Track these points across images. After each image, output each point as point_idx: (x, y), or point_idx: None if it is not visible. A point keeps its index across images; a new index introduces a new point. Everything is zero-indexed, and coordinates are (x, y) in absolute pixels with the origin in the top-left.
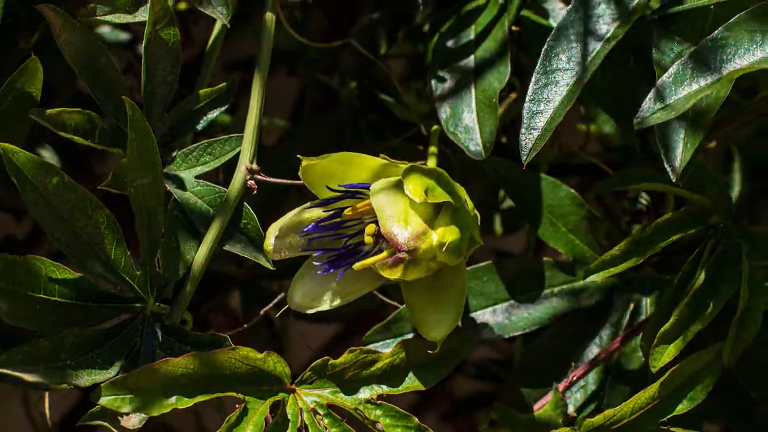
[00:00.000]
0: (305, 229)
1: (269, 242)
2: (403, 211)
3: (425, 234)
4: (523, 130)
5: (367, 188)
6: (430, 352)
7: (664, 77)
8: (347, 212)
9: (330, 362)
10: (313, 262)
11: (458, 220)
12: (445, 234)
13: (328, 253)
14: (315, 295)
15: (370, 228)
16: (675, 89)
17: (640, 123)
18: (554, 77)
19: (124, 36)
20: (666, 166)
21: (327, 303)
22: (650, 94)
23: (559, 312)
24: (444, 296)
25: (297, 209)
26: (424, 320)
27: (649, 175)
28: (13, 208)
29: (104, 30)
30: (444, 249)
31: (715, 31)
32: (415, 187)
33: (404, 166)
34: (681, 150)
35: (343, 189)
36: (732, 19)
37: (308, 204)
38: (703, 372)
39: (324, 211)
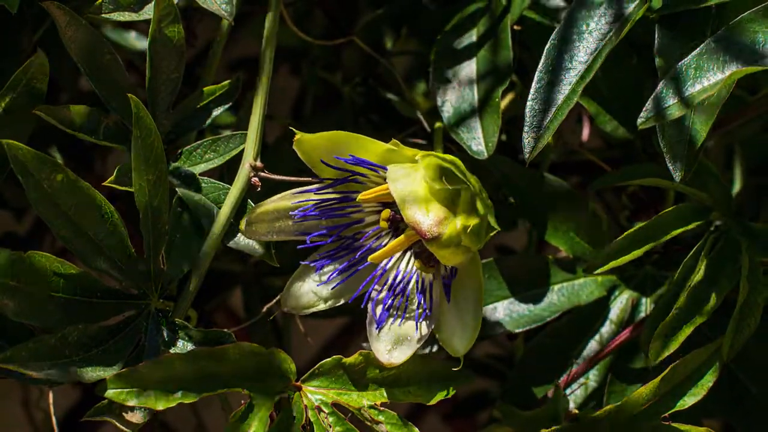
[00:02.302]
0: (296, 213)
1: (243, 221)
2: (424, 197)
3: (447, 219)
4: (525, 129)
5: (372, 168)
6: (438, 368)
7: (668, 77)
8: (362, 196)
9: (340, 362)
10: (304, 263)
11: (475, 206)
12: (467, 218)
13: (325, 245)
14: (311, 295)
15: (386, 213)
16: (678, 88)
17: (647, 121)
18: (557, 76)
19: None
20: (669, 165)
21: (323, 303)
22: (657, 91)
23: (559, 309)
24: (462, 295)
25: (289, 192)
26: (444, 321)
27: (650, 171)
28: (15, 205)
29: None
30: (468, 231)
31: (719, 31)
32: (433, 173)
33: (411, 152)
34: (684, 148)
35: (341, 165)
36: (735, 19)
37: (314, 186)
38: (704, 368)
39: (316, 194)
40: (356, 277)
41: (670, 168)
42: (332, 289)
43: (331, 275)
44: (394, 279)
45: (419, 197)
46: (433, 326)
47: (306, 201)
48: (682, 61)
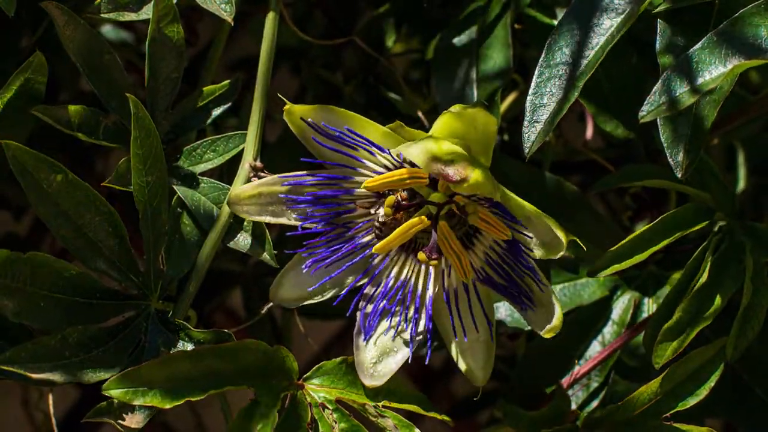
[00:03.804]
0: (287, 197)
1: (229, 197)
2: (444, 156)
3: (471, 167)
4: (525, 123)
5: (368, 150)
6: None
7: (674, 67)
8: (369, 183)
9: (343, 362)
10: (291, 252)
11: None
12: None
13: (317, 234)
14: (303, 287)
15: (391, 199)
16: (687, 77)
17: (651, 113)
18: (557, 71)
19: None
20: (670, 161)
21: (314, 297)
22: (664, 81)
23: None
24: (468, 306)
25: (281, 175)
26: (451, 337)
27: (652, 171)
28: (15, 205)
29: (106, 28)
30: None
31: (720, 25)
32: (447, 141)
33: (414, 133)
34: (685, 145)
35: (334, 145)
36: (737, 14)
37: (306, 171)
38: (706, 368)
39: (308, 174)
40: (349, 271)
41: (671, 163)
42: (324, 281)
43: (320, 266)
44: (387, 282)
45: (439, 155)
46: (419, 341)
47: (298, 180)
48: (683, 56)
